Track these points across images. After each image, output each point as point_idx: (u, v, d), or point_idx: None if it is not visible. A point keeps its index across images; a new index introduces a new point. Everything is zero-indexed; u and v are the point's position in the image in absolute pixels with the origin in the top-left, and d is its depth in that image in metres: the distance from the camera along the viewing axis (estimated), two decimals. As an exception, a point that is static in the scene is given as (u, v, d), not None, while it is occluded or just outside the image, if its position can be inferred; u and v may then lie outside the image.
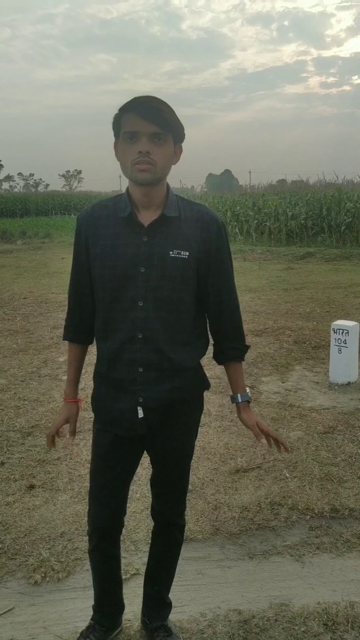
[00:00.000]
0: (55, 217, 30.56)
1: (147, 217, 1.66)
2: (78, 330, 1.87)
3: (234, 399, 1.86)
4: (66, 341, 1.92)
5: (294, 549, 2.47)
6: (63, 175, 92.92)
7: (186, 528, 2.56)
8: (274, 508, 2.73)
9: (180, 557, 2.39)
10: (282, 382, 4.49)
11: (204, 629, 2.04)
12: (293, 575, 2.33)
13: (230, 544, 2.52)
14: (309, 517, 2.67)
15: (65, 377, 4.46)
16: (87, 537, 1.93)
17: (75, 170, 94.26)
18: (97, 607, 2.00)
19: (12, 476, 3.12)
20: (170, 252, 1.65)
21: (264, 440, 1.81)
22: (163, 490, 1.90)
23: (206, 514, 2.70)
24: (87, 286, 1.76)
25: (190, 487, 2.90)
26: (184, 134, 1.68)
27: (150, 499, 1.95)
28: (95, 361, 1.80)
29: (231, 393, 1.89)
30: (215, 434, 3.52)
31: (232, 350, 1.84)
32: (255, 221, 16.39)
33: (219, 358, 1.86)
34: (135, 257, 1.64)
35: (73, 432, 1.93)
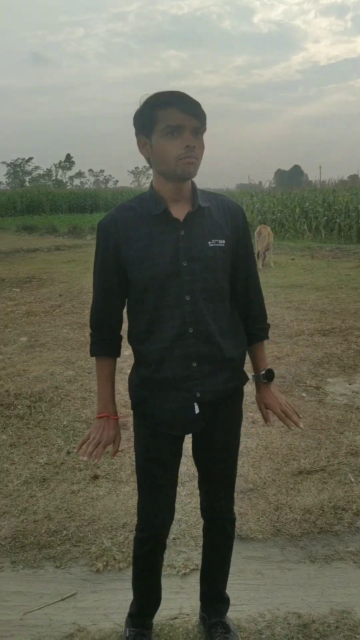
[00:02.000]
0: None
1: (179, 211, 1.66)
2: (111, 343, 1.82)
3: (258, 377, 1.87)
4: (94, 357, 1.86)
5: (357, 556, 2.41)
6: (132, 172, 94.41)
7: (247, 527, 2.57)
8: (337, 512, 2.67)
9: (240, 556, 2.41)
10: (349, 384, 4.37)
11: (262, 630, 2.03)
12: (356, 583, 2.27)
13: (291, 546, 2.48)
14: (374, 523, 2.60)
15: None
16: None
17: (144, 167, 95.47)
18: (138, 612, 1.98)
19: (77, 466, 3.21)
20: (209, 242, 1.66)
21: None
22: (215, 486, 1.91)
23: (267, 514, 2.68)
24: (117, 297, 1.75)
25: (251, 486, 2.91)
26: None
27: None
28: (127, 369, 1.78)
29: (253, 373, 1.89)
30: (279, 434, 3.48)
31: (261, 331, 1.87)
32: (325, 218, 16.03)
33: (250, 340, 1.87)
34: (176, 252, 1.64)
35: (116, 452, 1.89)
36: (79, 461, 3.25)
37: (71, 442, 3.50)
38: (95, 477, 3.07)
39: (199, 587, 2.09)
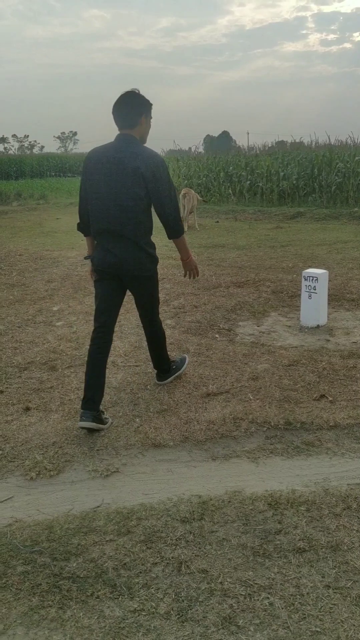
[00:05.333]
0: (51, 178, 30.51)
1: None
2: None
3: None
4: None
5: (251, 453, 2.91)
6: (58, 137, 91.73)
7: (160, 437, 3.03)
8: (236, 422, 3.17)
9: (154, 459, 2.87)
10: (258, 326, 4.90)
11: (169, 508, 2.48)
12: (248, 472, 2.77)
13: (197, 449, 2.96)
14: (265, 428, 3.11)
15: (58, 323, 4.89)
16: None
17: (71, 131, 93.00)
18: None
19: (10, 401, 3.55)
20: None
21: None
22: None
23: (178, 427, 3.14)
24: None
25: (165, 407, 3.35)
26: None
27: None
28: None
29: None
30: (192, 367, 3.94)
31: None
32: (248, 182, 16.57)
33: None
34: None
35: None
36: (12, 398, 3.58)
37: (4, 383, 3.81)
38: (27, 409, 3.42)
39: (119, 485, 2.56)
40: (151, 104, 3.13)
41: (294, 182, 15.50)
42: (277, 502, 2.49)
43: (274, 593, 2.02)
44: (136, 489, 2.65)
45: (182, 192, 11.89)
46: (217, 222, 13.00)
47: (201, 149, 31.27)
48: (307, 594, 2.02)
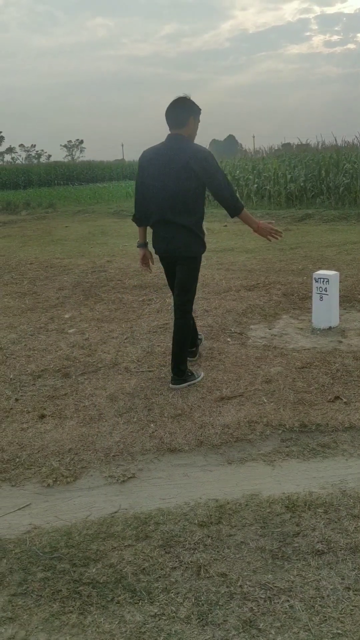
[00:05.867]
0: (58, 187, 30.68)
1: None
2: None
3: None
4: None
5: (266, 456, 2.91)
6: (65, 146, 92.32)
7: (175, 442, 3.04)
8: (251, 425, 3.16)
9: (169, 464, 2.87)
10: (269, 329, 4.89)
11: (187, 512, 2.49)
12: (264, 475, 2.76)
13: (212, 454, 2.96)
14: (281, 431, 3.11)
15: (70, 331, 4.92)
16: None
17: (77, 140, 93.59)
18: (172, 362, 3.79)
19: (25, 409, 3.57)
20: None
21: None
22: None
23: (193, 431, 3.14)
24: None
25: (180, 412, 3.36)
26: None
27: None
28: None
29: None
30: (205, 371, 3.94)
31: None
32: (255, 185, 16.57)
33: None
34: None
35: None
36: (27, 406, 3.61)
37: (19, 391, 3.84)
38: (42, 416, 3.44)
39: (135, 490, 2.59)
40: (200, 109, 3.60)
41: (302, 184, 15.48)
42: (294, 505, 2.48)
43: (294, 596, 2.02)
44: (153, 494, 2.66)
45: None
46: (226, 225, 13.00)
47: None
48: (328, 596, 2.01)
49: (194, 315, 4.01)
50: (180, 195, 3.49)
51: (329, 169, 15.16)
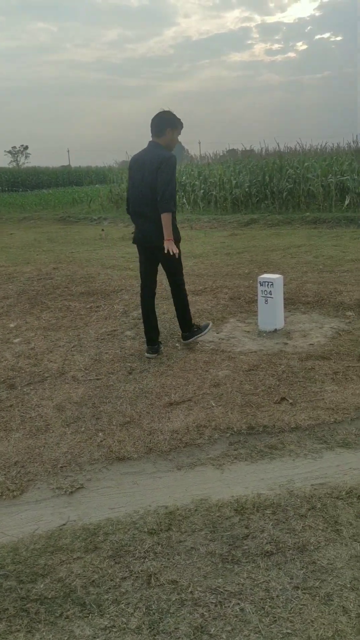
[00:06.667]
0: (3, 194, 30.05)
1: None
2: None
3: None
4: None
5: (215, 460, 2.92)
6: (9, 152, 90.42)
7: (124, 450, 3.01)
8: (199, 430, 3.17)
9: (118, 473, 2.84)
10: (217, 333, 4.93)
11: (136, 521, 2.46)
12: (213, 479, 2.77)
13: (162, 460, 2.95)
14: (229, 434, 3.13)
15: (15, 340, 4.81)
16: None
17: (22, 145, 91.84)
18: (146, 337, 4.48)
19: (-31, 423, 3.46)
20: None
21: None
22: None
23: (142, 438, 3.12)
24: None
25: (128, 419, 3.33)
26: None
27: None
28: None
29: None
30: (154, 377, 3.94)
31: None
32: (202, 191, 16.72)
33: None
34: None
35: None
36: (-30, 419, 3.50)
37: None
38: (-13, 429, 3.34)
39: (84, 501, 2.54)
40: (179, 123, 4.19)
41: (247, 189, 15.73)
42: (243, 508, 2.50)
43: (244, 598, 2.03)
44: (102, 504, 2.62)
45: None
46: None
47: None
48: (277, 596, 2.04)
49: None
50: (149, 191, 4.08)
51: (272, 174, 15.47)
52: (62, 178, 38.14)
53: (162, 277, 4.64)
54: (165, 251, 4.09)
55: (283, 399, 3.49)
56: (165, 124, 4.14)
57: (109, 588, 2.10)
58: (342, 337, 4.64)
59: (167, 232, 4.08)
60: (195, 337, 4.58)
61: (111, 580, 2.14)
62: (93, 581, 2.14)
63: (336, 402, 3.40)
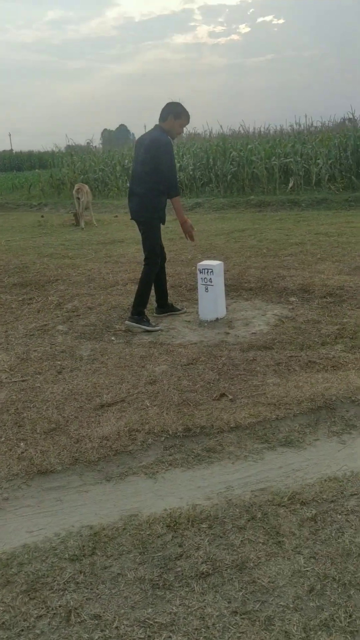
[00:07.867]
0: None
1: None
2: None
3: None
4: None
5: (148, 468, 2.67)
6: None
7: (47, 462, 2.72)
8: (132, 434, 2.91)
9: (40, 489, 2.56)
10: (156, 324, 4.66)
11: (56, 546, 2.19)
12: (145, 490, 2.52)
13: (89, 471, 2.67)
14: (164, 438, 2.88)
15: None
16: None
17: None
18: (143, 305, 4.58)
19: None
20: None
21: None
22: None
23: (68, 447, 2.83)
24: None
25: (54, 425, 3.04)
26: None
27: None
28: None
29: None
30: (85, 376, 3.64)
31: None
32: (145, 174, 16.34)
33: None
34: None
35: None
36: None
37: None
38: None
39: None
40: (186, 116, 4.48)
41: (191, 172, 15.45)
42: (176, 523, 2.26)
43: (176, 630, 1.80)
44: (19, 527, 2.33)
45: (75, 187, 11.46)
46: (116, 216, 12.67)
47: (99, 144, 30.68)
48: (213, 625, 1.81)
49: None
50: (140, 167, 4.45)
51: (216, 157, 15.25)
52: (2, 163, 36.73)
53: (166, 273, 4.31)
54: (187, 232, 4.61)
55: (223, 395, 3.27)
56: (170, 111, 4.45)
57: (22, 630, 1.83)
58: (285, 324, 4.46)
59: (180, 215, 4.52)
60: (137, 326, 4.48)
61: (24, 620, 1.86)
62: (3, 623, 1.85)
63: (278, 396, 3.20)
